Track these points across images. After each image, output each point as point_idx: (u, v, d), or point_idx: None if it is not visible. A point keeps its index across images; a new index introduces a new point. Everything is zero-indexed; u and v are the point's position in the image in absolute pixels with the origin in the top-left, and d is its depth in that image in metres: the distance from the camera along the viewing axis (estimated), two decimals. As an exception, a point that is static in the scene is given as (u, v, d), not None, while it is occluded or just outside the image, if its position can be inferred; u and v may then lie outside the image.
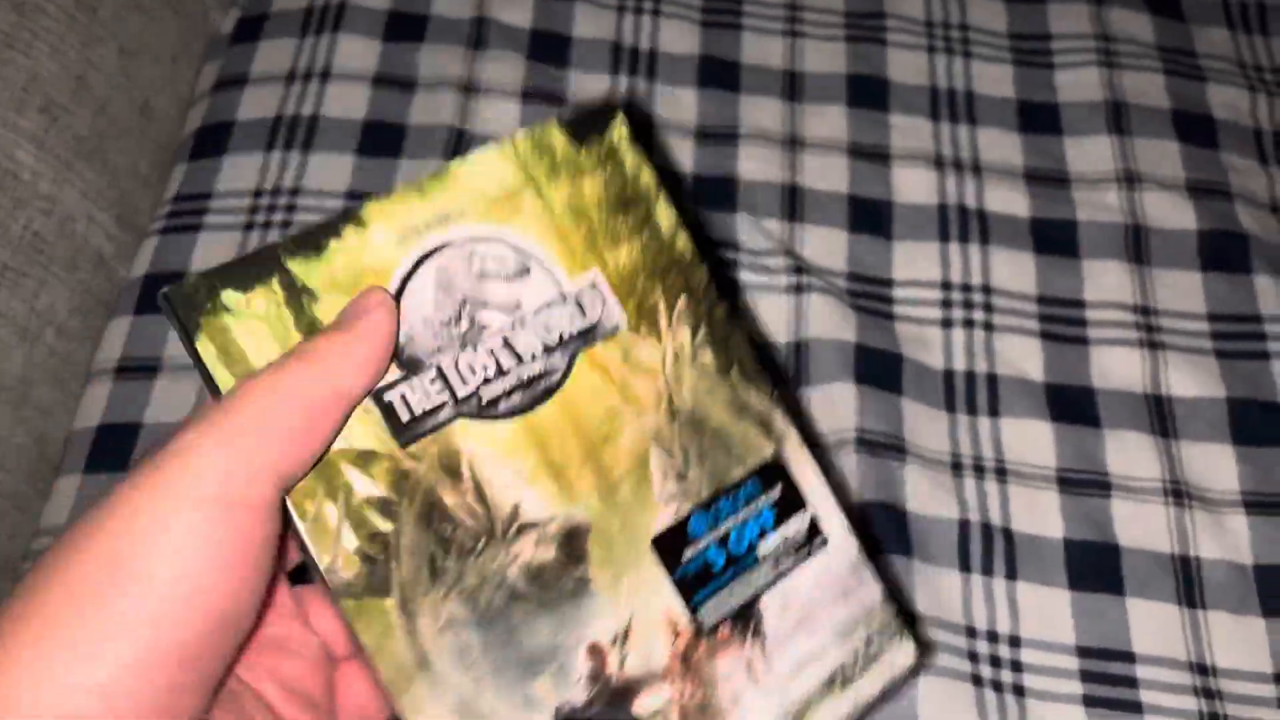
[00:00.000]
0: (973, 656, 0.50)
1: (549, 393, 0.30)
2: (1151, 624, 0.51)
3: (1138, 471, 0.55)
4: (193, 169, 0.62)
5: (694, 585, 0.30)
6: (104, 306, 0.60)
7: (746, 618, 0.31)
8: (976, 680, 0.49)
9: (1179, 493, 0.54)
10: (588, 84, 0.65)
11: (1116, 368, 0.58)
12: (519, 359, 0.29)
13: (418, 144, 0.61)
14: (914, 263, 0.61)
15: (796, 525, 0.32)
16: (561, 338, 0.30)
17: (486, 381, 0.29)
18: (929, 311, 0.59)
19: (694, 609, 0.30)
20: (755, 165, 0.63)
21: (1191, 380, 0.57)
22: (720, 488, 0.31)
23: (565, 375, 0.30)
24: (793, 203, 0.62)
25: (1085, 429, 0.56)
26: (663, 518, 0.30)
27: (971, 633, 0.50)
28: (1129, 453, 0.55)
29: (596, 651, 0.29)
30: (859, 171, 0.63)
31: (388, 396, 0.28)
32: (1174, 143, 0.65)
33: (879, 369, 0.57)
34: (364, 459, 0.27)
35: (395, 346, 0.28)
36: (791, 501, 0.32)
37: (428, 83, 0.64)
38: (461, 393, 0.29)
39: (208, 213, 0.60)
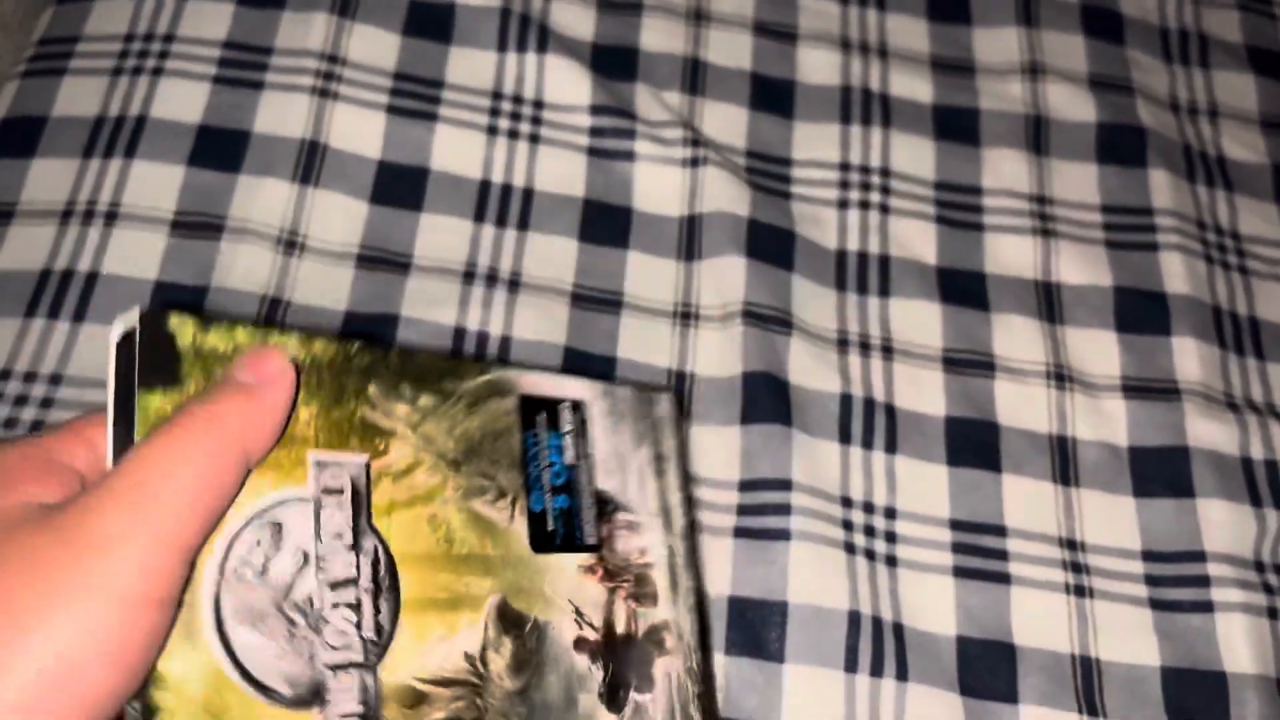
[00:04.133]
0: (847, 525, 0.49)
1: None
2: (1025, 500, 0.51)
3: (1022, 354, 0.55)
4: (61, 12, 0.58)
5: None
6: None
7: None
8: (849, 548, 0.49)
9: (1060, 376, 0.54)
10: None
11: (1009, 254, 0.58)
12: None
13: (303, -4, 0.58)
14: (813, 143, 0.59)
15: None
16: None
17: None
18: (826, 192, 0.58)
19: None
20: (658, 37, 0.61)
21: (1080, 269, 0.57)
22: None
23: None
24: (694, 77, 0.60)
25: (974, 312, 0.56)
26: None
27: (847, 503, 0.50)
28: (1015, 336, 0.55)
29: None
30: (763, 49, 0.62)
31: None
32: (1080, 37, 0.64)
33: (771, 245, 0.55)
34: None
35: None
36: None
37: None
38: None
39: (73, 56, 0.56)
